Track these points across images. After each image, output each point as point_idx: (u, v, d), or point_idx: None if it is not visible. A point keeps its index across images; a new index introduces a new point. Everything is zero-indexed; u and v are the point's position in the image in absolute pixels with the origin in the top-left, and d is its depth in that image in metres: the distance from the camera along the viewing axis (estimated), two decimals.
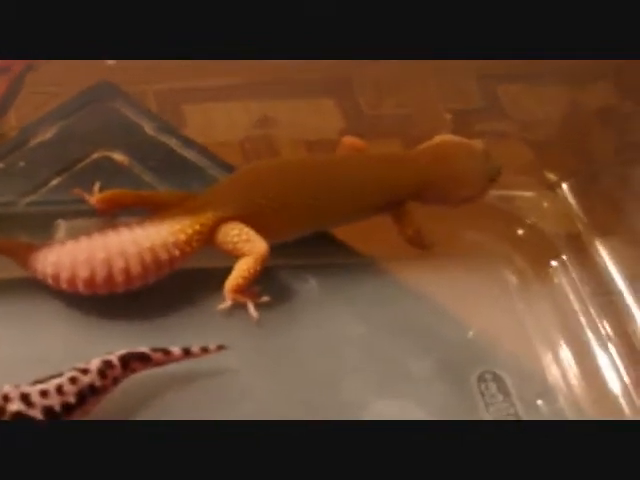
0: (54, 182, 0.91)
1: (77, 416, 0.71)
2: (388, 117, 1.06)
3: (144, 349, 0.75)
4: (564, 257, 0.94)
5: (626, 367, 0.86)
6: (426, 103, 1.06)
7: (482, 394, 0.81)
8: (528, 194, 1.00)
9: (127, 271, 0.79)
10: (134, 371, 0.74)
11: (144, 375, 0.75)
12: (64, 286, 0.79)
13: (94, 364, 0.72)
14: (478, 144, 0.91)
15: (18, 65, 0.99)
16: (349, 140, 0.96)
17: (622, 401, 0.83)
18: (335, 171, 0.89)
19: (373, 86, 1.08)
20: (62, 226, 0.87)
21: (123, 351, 0.74)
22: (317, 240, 0.90)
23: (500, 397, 0.81)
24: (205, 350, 0.78)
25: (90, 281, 0.79)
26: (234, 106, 1.03)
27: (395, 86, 1.08)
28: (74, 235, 0.82)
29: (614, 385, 0.84)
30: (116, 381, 0.74)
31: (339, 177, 0.88)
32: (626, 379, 0.85)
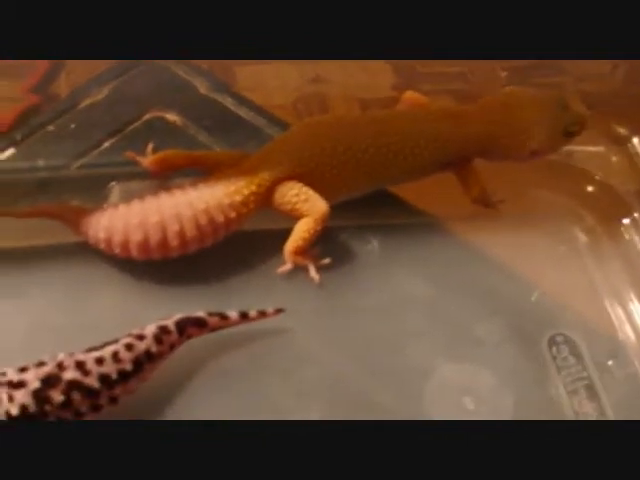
0: (106, 144, 0.92)
1: (133, 383, 0.71)
2: (441, 75, 1.05)
3: (200, 314, 0.75)
4: (635, 215, 0.92)
5: None
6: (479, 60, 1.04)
7: (554, 357, 0.79)
8: (596, 149, 0.98)
9: (182, 234, 0.78)
10: (190, 336, 0.74)
11: (201, 340, 0.75)
12: (117, 251, 0.79)
13: (149, 330, 0.72)
14: (555, 96, 0.88)
15: None
16: (410, 95, 0.94)
17: None
18: (395, 126, 0.87)
19: None
20: (115, 189, 0.88)
21: (179, 316, 0.74)
22: (379, 199, 0.89)
23: (572, 360, 0.80)
24: (263, 314, 0.77)
25: (144, 245, 0.78)
26: (285, 66, 1.02)
27: None
28: (127, 198, 0.82)
29: None
30: (172, 347, 0.74)
31: (399, 132, 0.86)
32: None
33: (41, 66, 1.01)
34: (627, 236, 0.93)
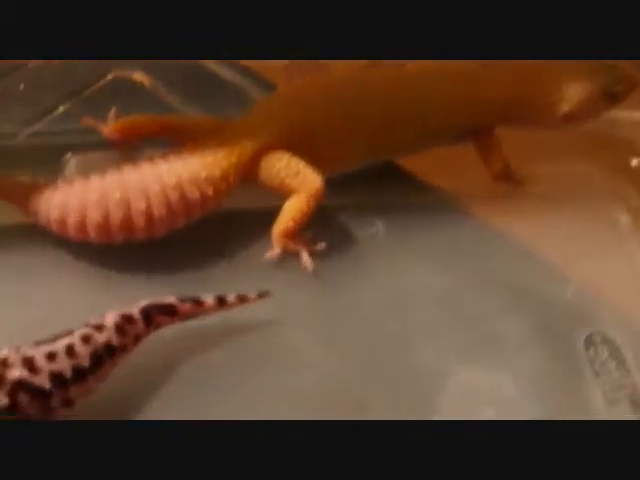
0: (61, 109, 0.87)
1: (91, 382, 0.67)
2: None
3: (171, 299, 0.70)
4: None
5: None
6: None
7: (591, 361, 0.74)
8: None
9: (148, 213, 0.73)
10: (159, 326, 0.70)
11: (171, 331, 0.71)
12: (72, 232, 0.74)
13: (110, 319, 0.68)
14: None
15: None
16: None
17: None
18: (401, 87, 0.83)
19: None
20: (70, 162, 0.83)
21: (145, 302, 0.70)
22: (383, 174, 0.85)
23: (612, 364, 0.74)
24: (244, 299, 0.72)
25: (103, 226, 0.73)
26: None
27: None
28: (85, 172, 0.76)
29: None
30: (138, 338, 0.70)
31: (408, 93, 0.82)
32: None
33: None
34: None
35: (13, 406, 0.65)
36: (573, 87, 0.83)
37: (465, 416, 0.73)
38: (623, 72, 0.84)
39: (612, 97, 0.83)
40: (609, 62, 0.85)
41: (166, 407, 0.70)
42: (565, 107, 0.83)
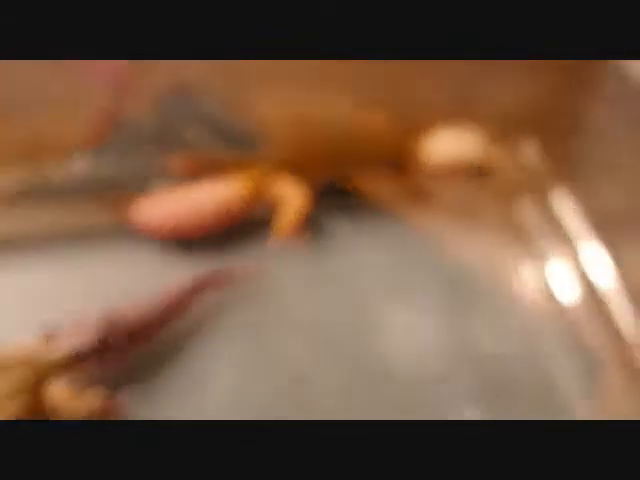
0: (149, 154, 0.96)
1: (164, 324, 0.79)
2: None
3: (212, 271, 0.84)
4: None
5: None
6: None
7: (474, 303, 0.90)
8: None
9: (202, 221, 0.87)
10: (206, 290, 0.83)
11: (213, 294, 0.84)
12: (153, 233, 0.88)
13: (176, 286, 0.81)
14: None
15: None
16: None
17: None
18: (349, 136, 0.95)
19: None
20: (156, 184, 0.94)
21: (197, 275, 0.82)
22: (346, 191, 0.99)
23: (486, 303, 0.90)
24: (259, 269, 0.87)
25: (172, 229, 0.87)
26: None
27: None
28: (163, 191, 0.90)
29: None
30: (193, 299, 0.82)
31: (352, 139, 0.94)
32: None
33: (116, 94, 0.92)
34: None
35: (112, 343, 0.76)
36: (443, 149, 0.95)
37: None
38: (488, 158, 0.94)
39: (477, 170, 0.94)
40: (485, 147, 0.94)
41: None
42: (435, 163, 0.95)
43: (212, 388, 0.79)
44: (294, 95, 0.98)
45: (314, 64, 0.85)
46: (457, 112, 0.97)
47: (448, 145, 0.94)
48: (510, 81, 0.96)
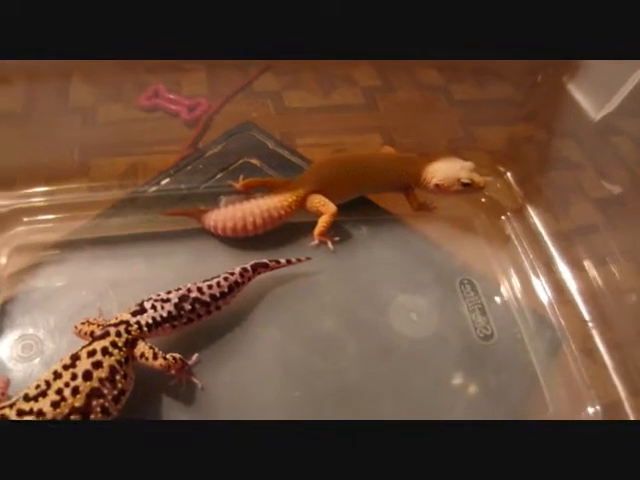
0: (219, 176, 1.12)
1: (228, 299, 0.89)
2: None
3: (265, 260, 0.94)
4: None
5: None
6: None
7: (462, 293, 1.01)
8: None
9: (255, 223, 0.99)
10: (259, 273, 0.93)
11: (264, 276, 0.94)
12: (220, 232, 1.00)
13: (237, 270, 0.90)
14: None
15: (204, 106, 1.20)
16: (386, 148, 1.16)
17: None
18: (371, 163, 1.06)
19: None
20: (222, 199, 1.07)
21: (253, 262, 0.93)
22: (365, 204, 1.09)
23: (471, 293, 1.01)
24: (299, 260, 0.97)
25: (234, 229, 0.99)
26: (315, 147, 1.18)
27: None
28: (227, 204, 1.03)
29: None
30: (249, 279, 0.92)
31: (373, 166, 1.06)
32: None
33: (195, 131, 1.18)
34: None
35: (192, 310, 0.84)
36: (441, 171, 1.04)
37: (402, 317, 0.95)
38: (477, 179, 1.03)
39: (466, 186, 1.02)
40: (473, 165, 1.03)
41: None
42: (434, 182, 1.05)
43: (263, 347, 0.90)
44: (330, 138, 1.18)
45: (349, 115, 1.12)
46: (453, 147, 1.16)
47: (446, 170, 1.04)
48: (495, 125, 1.16)
